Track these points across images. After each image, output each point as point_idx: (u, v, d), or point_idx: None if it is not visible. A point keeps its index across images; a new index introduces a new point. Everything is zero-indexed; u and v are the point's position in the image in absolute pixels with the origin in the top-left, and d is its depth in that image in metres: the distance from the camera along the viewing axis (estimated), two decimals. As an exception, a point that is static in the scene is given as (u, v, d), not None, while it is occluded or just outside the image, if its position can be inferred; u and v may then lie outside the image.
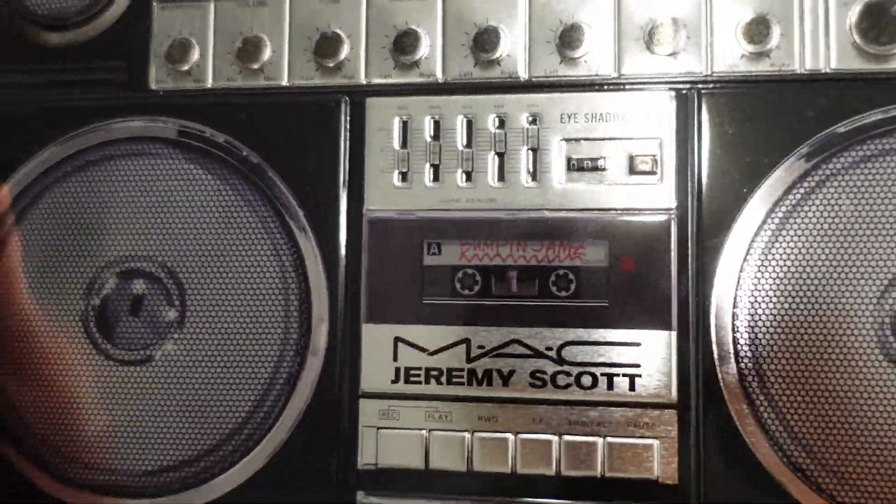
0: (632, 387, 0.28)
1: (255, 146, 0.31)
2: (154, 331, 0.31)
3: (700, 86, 0.29)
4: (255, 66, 0.31)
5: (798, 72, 0.28)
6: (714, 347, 0.28)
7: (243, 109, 0.31)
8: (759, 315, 0.28)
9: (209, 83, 0.31)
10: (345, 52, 0.30)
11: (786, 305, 0.28)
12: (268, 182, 0.30)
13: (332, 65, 0.31)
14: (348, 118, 0.30)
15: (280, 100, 0.31)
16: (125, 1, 0.32)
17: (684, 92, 0.29)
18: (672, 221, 0.28)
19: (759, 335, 0.28)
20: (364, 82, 0.30)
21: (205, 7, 0.32)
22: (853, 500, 0.27)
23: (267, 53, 0.31)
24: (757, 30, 0.28)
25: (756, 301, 0.28)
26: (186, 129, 0.31)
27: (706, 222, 0.28)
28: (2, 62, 0.32)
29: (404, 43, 0.30)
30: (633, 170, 0.29)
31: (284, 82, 0.31)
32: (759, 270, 0.28)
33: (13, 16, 0.32)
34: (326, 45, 0.30)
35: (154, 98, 0.32)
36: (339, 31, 0.31)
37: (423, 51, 0.30)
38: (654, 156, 0.29)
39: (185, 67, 0.31)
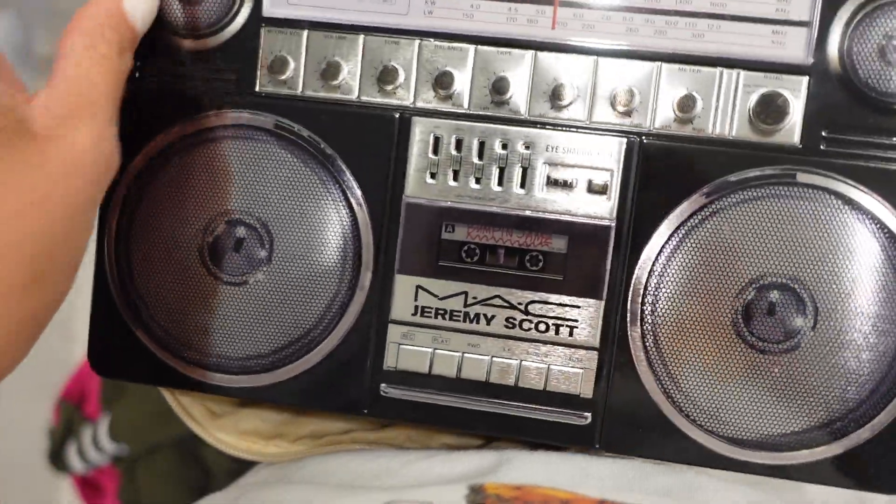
0: (570, 334, 0.42)
1: (330, 141, 0.43)
2: (249, 263, 0.44)
3: (643, 137, 0.42)
4: (334, 83, 0.43)
5: (710, 135, 0.41)
6: (628, 313, 0.42)
7: (324, 113, 0.43)
8: (659, 296, 0.42)
9: (299, 91, 0.43)
10: (399, 81, 0.43)
11: (678, 292, 0.42)
12: (337, 168, 0.43)
13: (389, 89, 0.43)
14: (398, 130, 0.43)
15: (351, 109, 0.43)
16: (241, 22, 0.43)
17: (631, 139, 0.42)
18: (612, 227, 0.42)
19: (658, 309, 0.42)
20: (412, 105, 0.43)
21: (300, 34, 0.43)
22: (709, 425, 0.42)
23: (343, 74, 0.43)
24: (686, 103, 0.41)
25: (658, 287, 0.42)
26: (281, 123, 0.43)
27: (634, 231, 0.42)
28: (147, 57, 0.44)
29: (443, 80, 0.42)
30: (590, 189, 0.42)
31: (355, 98, 0.43)
32: (664, 267, 0.41)
33: (155, 24, 0.44)
34: (386, 74, 0.42)
35: (258, 98, 0.44)
36: (396, 65, 0.43)
37: (455, 87, 0.42)
38: (606, 182, 0.42)
39: (282, 77, 0.43)
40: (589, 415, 0.42)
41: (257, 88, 0.43)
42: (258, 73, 0.43)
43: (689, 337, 0.41)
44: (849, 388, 0.41)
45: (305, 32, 0.43)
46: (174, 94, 0.43)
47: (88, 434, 0.98)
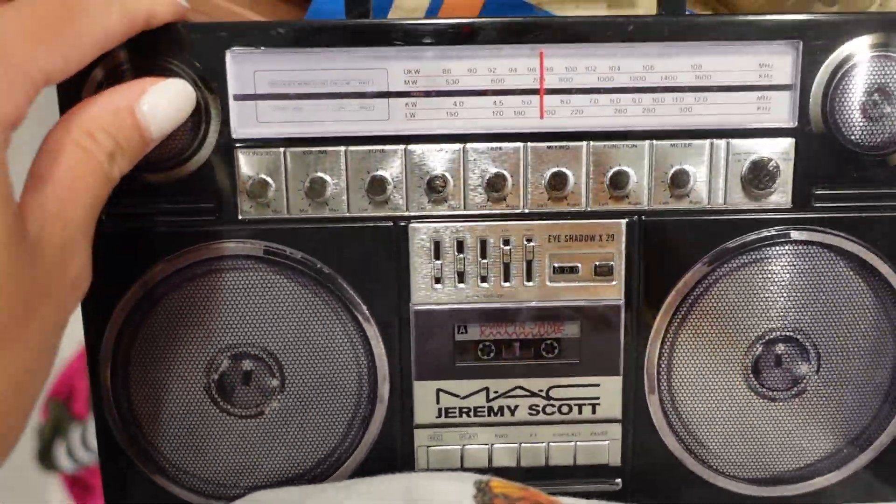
0: (593, 411, 0.43)
1: (326, 260, 0.41)
2: (262, 394, 0.43)
3: (643, 216, 0.42)
4: (321, 200, 0.41)
5: (706, 206, 0.42)
6: (645, 384, 0.43)
7: (315, 233, 0.41)
8: (673, 363, 0.43)
9: (285, 213, 0.41)
10: (390, 189, 0.41)
11: (690, 357, 0.43)
12: (338, 286, 0.42)
13: (380, 199, 0.41)
14: (396, 238, 0.41)
15: (343, 225, 0.41)
16: (210, 148, 0.40)
17: (631, 220, 0.42)
18: (622, 308, 0.42)
19: (673, 375, 0.43)
20: (406, 213, 0.41)
21: (276, 153, 0.40)
22: (731, 471, 0.44)
23: (329, 190, 0.41)
24: (681, 177, 0.41)
25: (672, 355, 0.43)
26: (270, 249, 0.41)
27: (643, 307, 0.42)
28: (112, 197, 0.40)
29: (435, 184, 0.41)
30: (596, 273, 0.42)
31: (345, 213, 0.41)
32: (674, 336, 0.43)
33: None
34: (375, 185, 0.40)
35: (243, 225, 0.41)
36: (384, 174, 0.41)
37: (449, 189, 0.41)
38: (611, 264, 0.42)
39: (265, 201, 0.41)
40: (619, 480, 0.44)
41: (240, 216, 0.41)
42: (238, 199, 0.40)
43: (704, 397, 0.43)
44: (852, 419, 0.44)
45: (282, 150, 0.40)
46: (150, 233, 0.40)
47: (77, 433, 0.95)
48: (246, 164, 0.40)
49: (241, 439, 0.43)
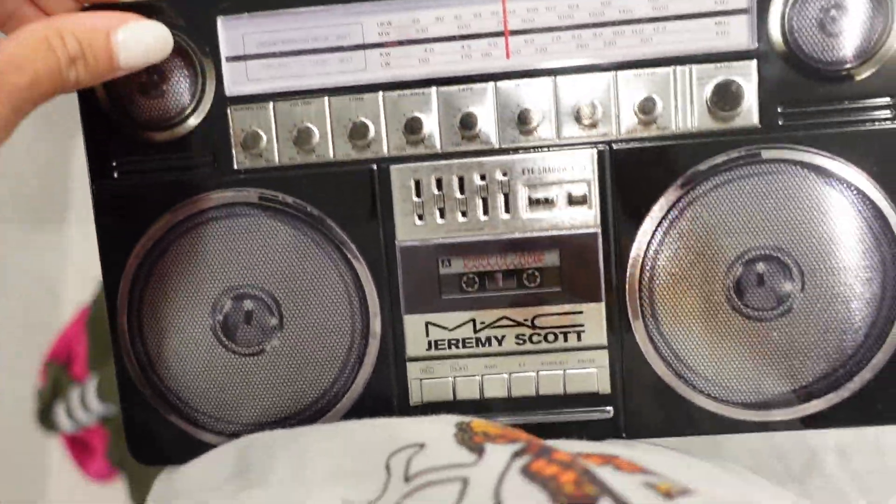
0: (579, 338, 0.45)
1: (316, 203, 0.44)
2: (263, 333, 0.46)
3: (612, 144, 0.43)
4: (308, 147, 0.44)
5: (674, 131, 0.43)
6: (628, 309, 0.44)
7: (304, 178, 0.44)
8: (655, 287, 0.44)
9: (277, 162, 0.45)
10: (371, 134, 0.44)
11: (670, 281, 0.44)
12: (328, 227, 0.45)
13: (362, 143, 0.44)
14: (378, 180, 0.44)
15: (330, 170, 0.44)
16: (207, 106, 0.44)
17: (601, 149, 0.43)
18: (598, 234, 0.44)
19: (655, 300, 0.44)
20: (387, 155, 0.44)
21: (266, 107, 0.44)
22: (722, 395, 0.45)
23: (316, 138, 0.44)
24: (647, 105, 0.42)
25: (652, 279, 0.44)
26: (264, 195, 0.44)
27: (619, 233, 0.44)
28: (122, 156, 0.45)
29: (412, 126, 0.44)
30: (571, 202, 0.44)
31: (331, 158, 0.44)
32: (653, 261, 0.44)
33: (123, 122, 0.45)
34: (357, 130, 0.44)
35: (239, 175, 0.45)
36: (364, 120, 0.44)
37: (425, 130, 0.44)
38: (584, 193, 0.44)
39: (258, 151, 0.44)
40: (611, 408, 0.45)
41: (236, 166, 0.44)
42: (233, 151, 0.44)
43: (689, 320, 0.44)
44: (845, 337, 0.43)
45: (271, 104, 0.44)
46: (157, 186, 0.44)
47: (76, 394, 0.97)
48: (239, 118, 0.44)
49: (246, 376, 0.46)
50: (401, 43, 0.43)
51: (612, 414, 0.45)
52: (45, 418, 1.00)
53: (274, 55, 0.44)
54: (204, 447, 0.46)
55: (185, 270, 0.45)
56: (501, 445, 0.36)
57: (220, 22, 0.43)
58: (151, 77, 0.43)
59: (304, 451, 0.40)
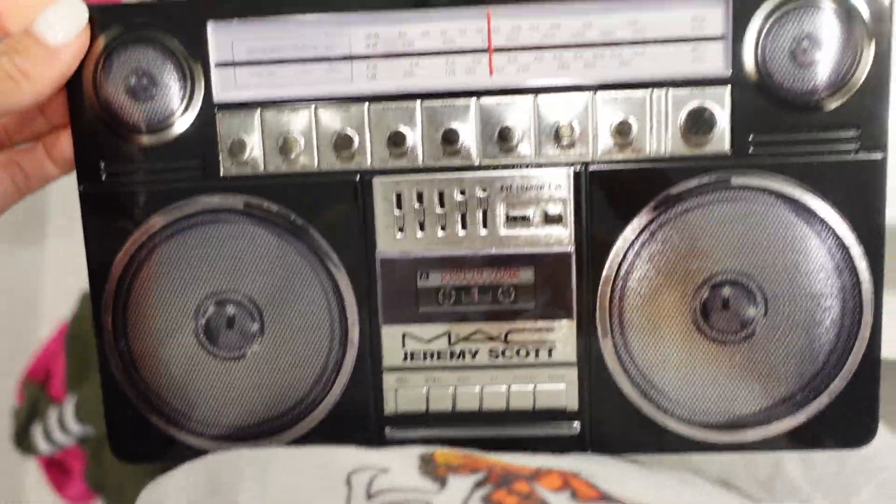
0: (549, 354, 0.46)
1: (299, 212, 0.45)
2: (244, 338, 0.47)
3: (588, 165, 0.45)
4: (293, 157, 0.45)
5: (648, 154, 0.44)
6: (597, 328, 0.46)
7: (288, 187, 0.45)
8: (625, 307, 0.45)
9: (262, 170, 0.46)
10: (355, 145, 0.45)
11: (640, 302, 0.45)
12: (310, 237, 0.45)
13: (346, 154, 0.45)
14: (361, 191, 0.45)
15: (314, 180, 0.45)
16: (195, 112, 0.45)
17: (577, 170, 0.45)
18: (571, 253, 0.45)
19: (624, 320, 0.45)
20: (370, 167, 0.45)
21: (252, 115, 0.45)
22: (685, 415, 0.46)
23: (300, 147, 0.45)
24: (623, 128, 0.44)
25: (622, 299, 0.45)
26: (250, 202, 0.45)
27: (592, 252, 0.45)
28: (110, 159, 0.46)
29: (396, 139, 0.45)
30: (547, 220, 0.45)
31: (315, 168, 0.45)
32: (624, 281, 0.45)
33: (111, 125, 0.45)
34: (341, 141, 0.45)
35: (225, 181, 0.46)
36: (349, 131, 0.45)
37: (408, 144, 0.45)
38: (560, 212, 0.45)
39: (244, 158, 0.45)
40: (577, 424, 0.46)
41: (222, 173, 0.45)
42: (220, 157, 0.45)
43: (656, 340, 0.45)
44: (804, 362, 0.45)
45: (258, 112, 0.45)
46: (144, 189, 0.45)
47: (54, 415, 0.96)
48: (226, 125, 0.45)
49: (227, 381, 0.47)
50: (387, 56, 0.44)
51: (579, 430, 0.46)
52: (22, 440, 0.97)
53: (262, 63, 0.45)
54: (185, 448, 0.47)
55: (169, 274, 0.46)
56: (463, 476, 0.38)
57: (210, 27, 0.44)
58: (140, 81, 0.44)
59: (268, 469, 0.41)
